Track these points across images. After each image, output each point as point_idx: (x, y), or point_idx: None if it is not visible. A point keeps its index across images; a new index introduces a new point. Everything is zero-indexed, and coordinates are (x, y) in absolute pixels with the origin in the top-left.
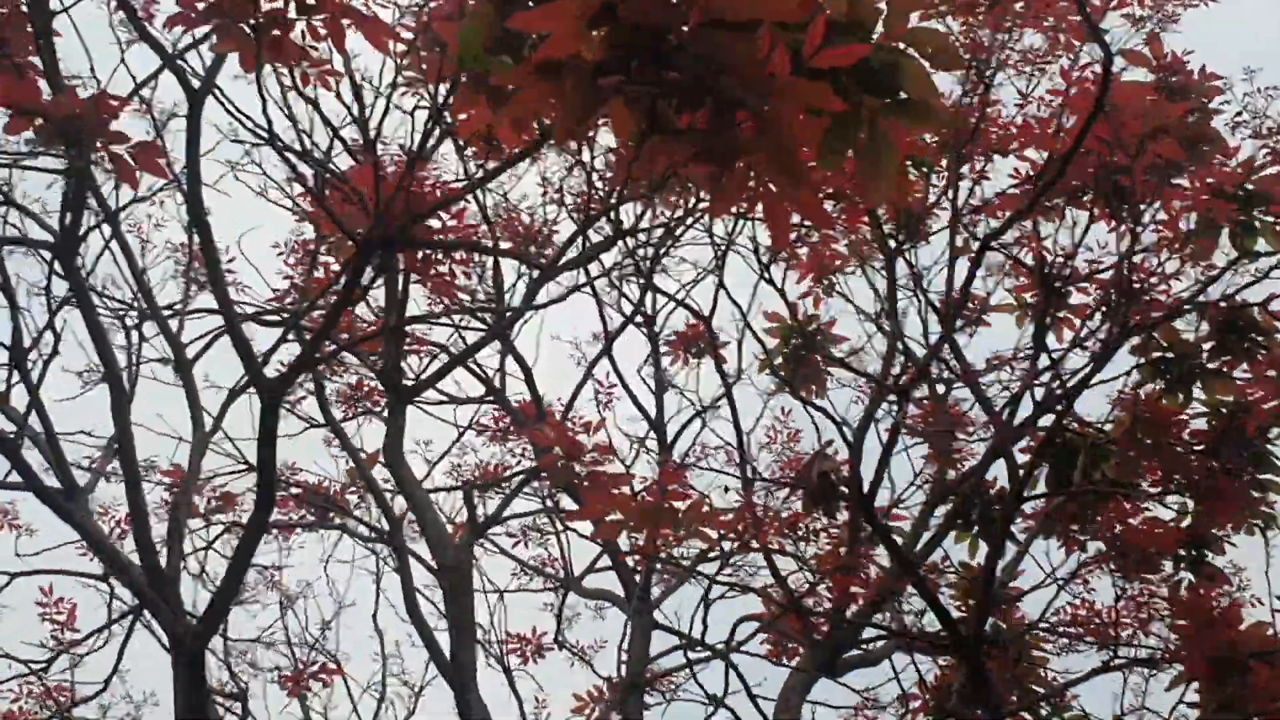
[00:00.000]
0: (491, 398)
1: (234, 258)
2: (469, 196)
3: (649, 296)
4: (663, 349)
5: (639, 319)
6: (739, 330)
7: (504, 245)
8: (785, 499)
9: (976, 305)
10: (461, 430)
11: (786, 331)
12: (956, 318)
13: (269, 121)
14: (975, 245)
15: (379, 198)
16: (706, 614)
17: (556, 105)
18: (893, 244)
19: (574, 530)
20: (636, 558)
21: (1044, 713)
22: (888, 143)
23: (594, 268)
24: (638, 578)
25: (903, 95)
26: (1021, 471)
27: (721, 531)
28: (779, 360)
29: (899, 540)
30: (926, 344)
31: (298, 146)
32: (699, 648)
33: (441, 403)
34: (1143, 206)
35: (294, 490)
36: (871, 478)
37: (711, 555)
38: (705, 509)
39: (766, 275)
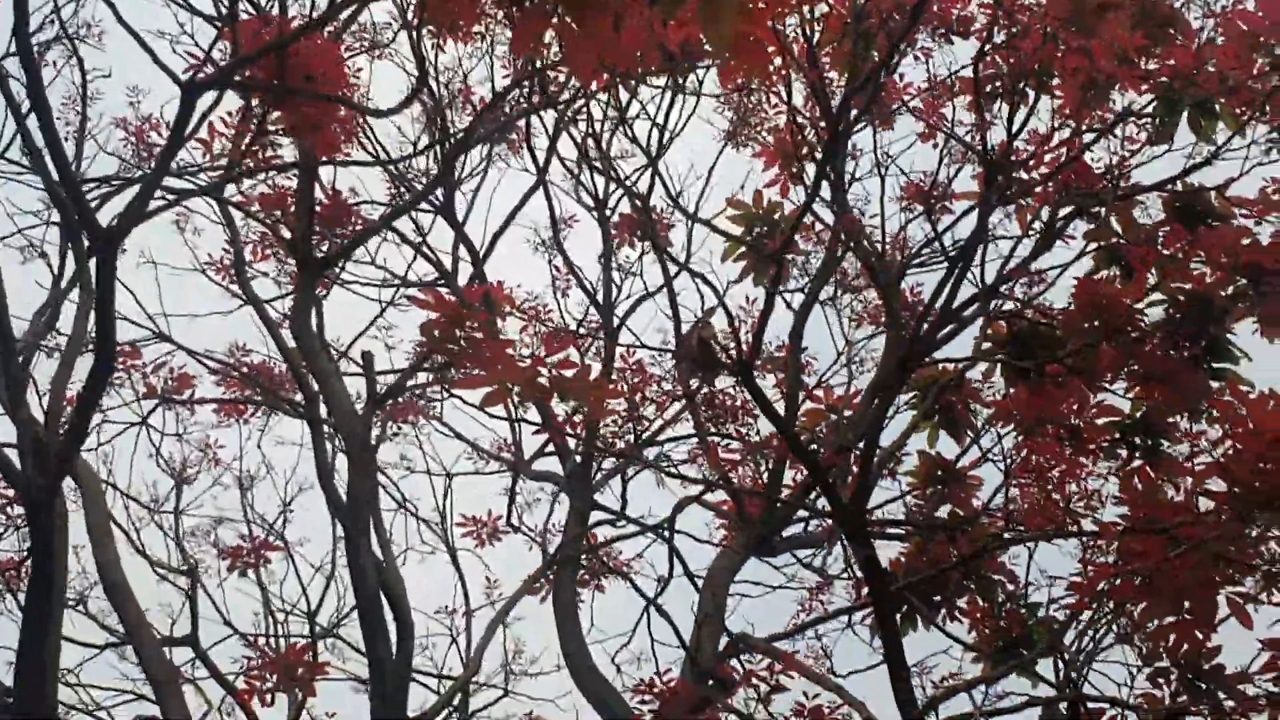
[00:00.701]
0: (443, 281)
1: None
2: None
3: (599, 181)
4: (612, 234)
5: (590, 204)
6: (687, 216)
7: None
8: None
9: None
10: (384, 305)
11: (749, 219)
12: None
13: None
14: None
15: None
16: (625, 491)
17: None
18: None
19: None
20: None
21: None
22: None
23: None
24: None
25: None
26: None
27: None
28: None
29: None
30: (883, 229)
31: None
32: (640, 529)
33: (384, 285)
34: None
35: (240, 370)
36: (750, 344)
37: (648, 436)
38: (591, 378)
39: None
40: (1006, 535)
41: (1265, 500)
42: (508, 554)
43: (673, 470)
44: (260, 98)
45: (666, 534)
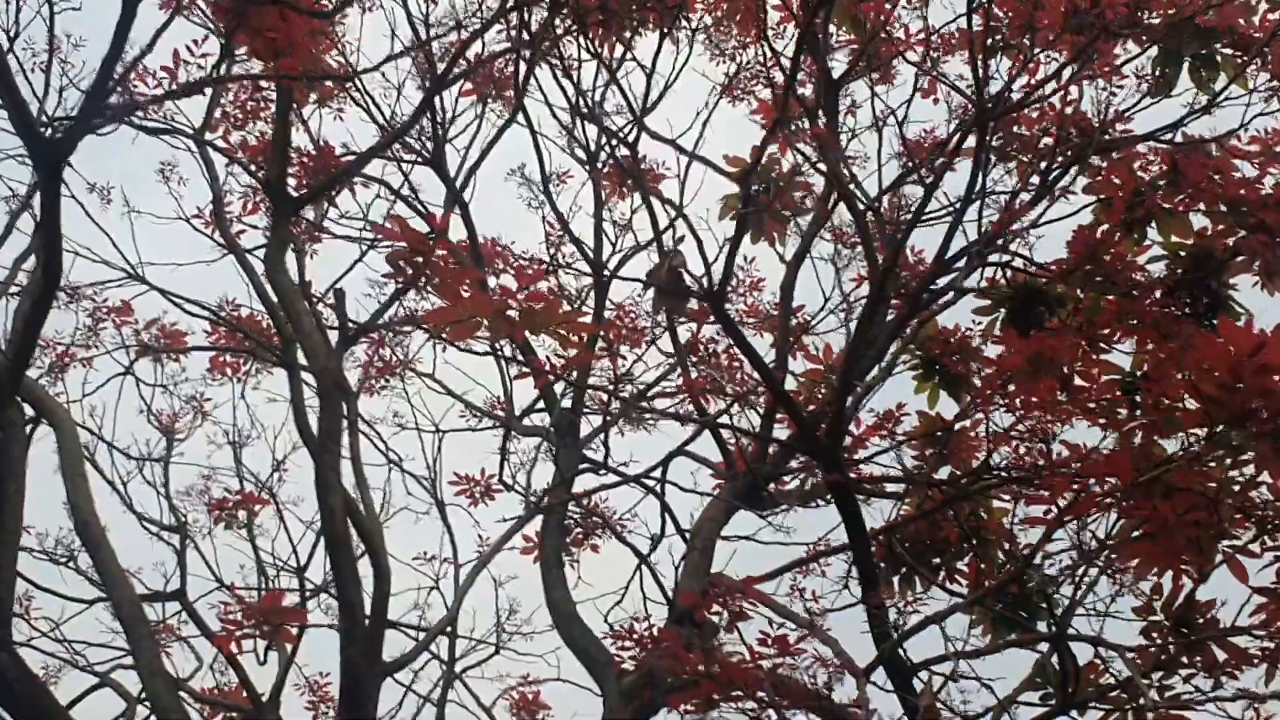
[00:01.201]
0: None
1: None
2: None
3: (592, 131)
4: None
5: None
6: (680, 168)
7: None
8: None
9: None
10: (364, 250)
11: (746, 174)
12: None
13: None
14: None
15: None
16: (607, 437)
17: None
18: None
19: (431, 332)
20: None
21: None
22: None
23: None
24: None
25: None
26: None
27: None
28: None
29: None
30: (879, 185)
31: None
32: (624, 480)
33: (373, 241)
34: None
35: (219, 315)
36: (720, 275)
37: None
38: (562, 310)
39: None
40: (989, 477)
41: (1237, 419)
42: (502, 514)
43: (654, 412)
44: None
45: (656, 486)
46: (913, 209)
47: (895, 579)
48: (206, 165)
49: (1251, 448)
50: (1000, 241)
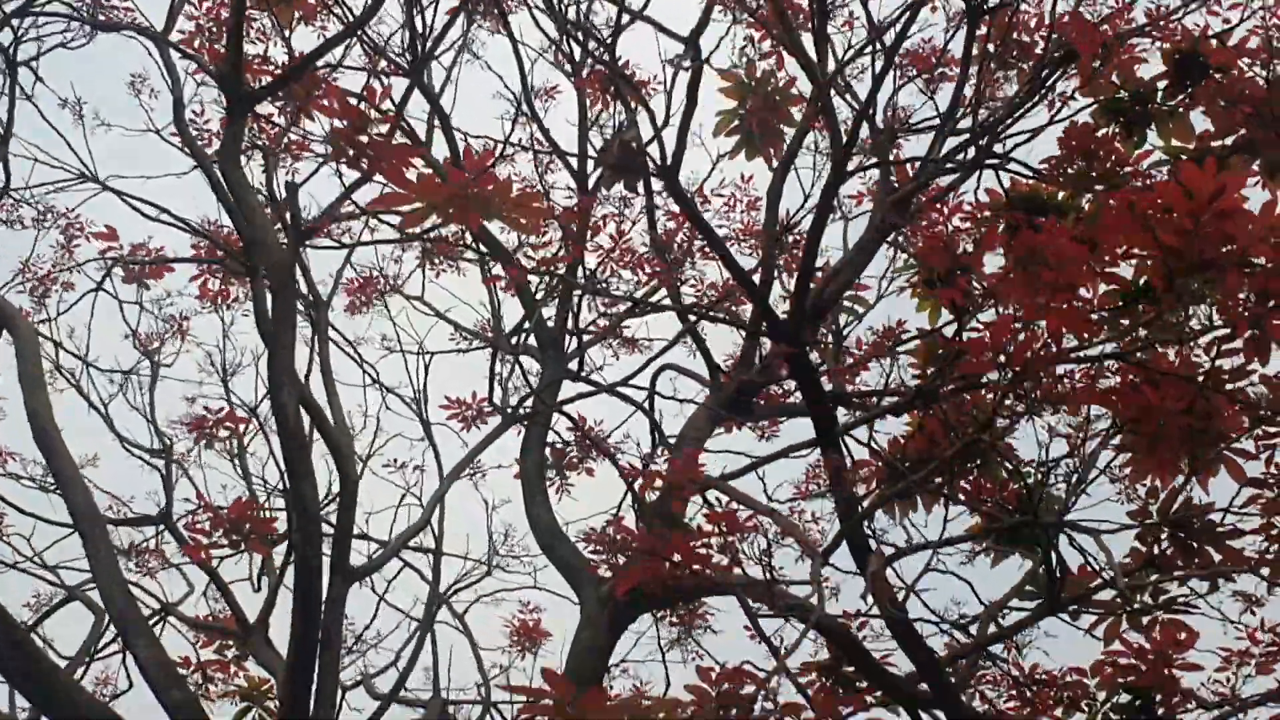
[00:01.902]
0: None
1: None
2: None
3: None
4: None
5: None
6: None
7: None
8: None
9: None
10: (337, 168)
11: (743, 89)
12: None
13: None
14: None
15: None
16: (581, 345)
17: None
18: None
19: (384, 222)
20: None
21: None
22: None
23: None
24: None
25: None
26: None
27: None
28: (735, 121)
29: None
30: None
31: None
32: (603, 387)
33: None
34: None
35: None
36: (674, 149)
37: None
38: (514, 193)
39: None
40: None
41: (1196, 265)
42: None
43: (624, 298)
44: None
45: (644, 401)
46: (910, 121)
47: (896, 501)
48: (168, 69)
49: (1213, 297)
50: (992, 143)
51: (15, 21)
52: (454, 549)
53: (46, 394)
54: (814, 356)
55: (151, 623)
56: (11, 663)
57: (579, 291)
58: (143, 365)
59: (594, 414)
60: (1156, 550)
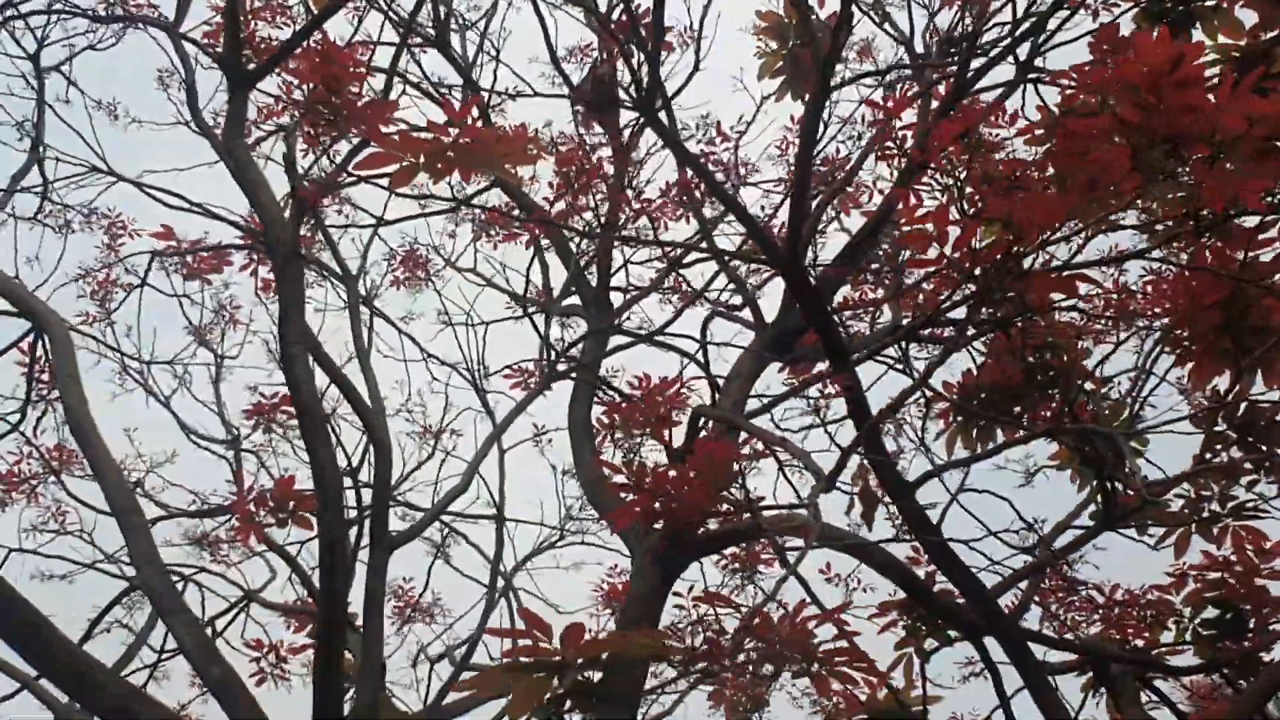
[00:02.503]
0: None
1: None
2: None
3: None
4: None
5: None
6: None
7: None
8: None
9: None
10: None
11: (783, 30)
12: None
13: None
14: None
15: None
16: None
17: None
18: None
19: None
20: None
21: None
22: None
23: None
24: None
25: None
26: None
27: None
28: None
29: None
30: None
31: None
32: (657, 343)
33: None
34: None
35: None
36: (649, 83)
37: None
38: (499, 141)
39: None
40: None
41: (1161, 142)
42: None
43: (654, 242)
44: None
45: (697, 353)
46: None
47: (974, 430)
48: (181, 58)
49: (1178, 172)
50: (1034, 56)
51: (38, 27)
52: (527, 515)
53: (81, 388)
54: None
55: (237, 610)
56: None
57: (616, 243)
58: (201, 357)
59: (653, 368)
60: (1225, 456)
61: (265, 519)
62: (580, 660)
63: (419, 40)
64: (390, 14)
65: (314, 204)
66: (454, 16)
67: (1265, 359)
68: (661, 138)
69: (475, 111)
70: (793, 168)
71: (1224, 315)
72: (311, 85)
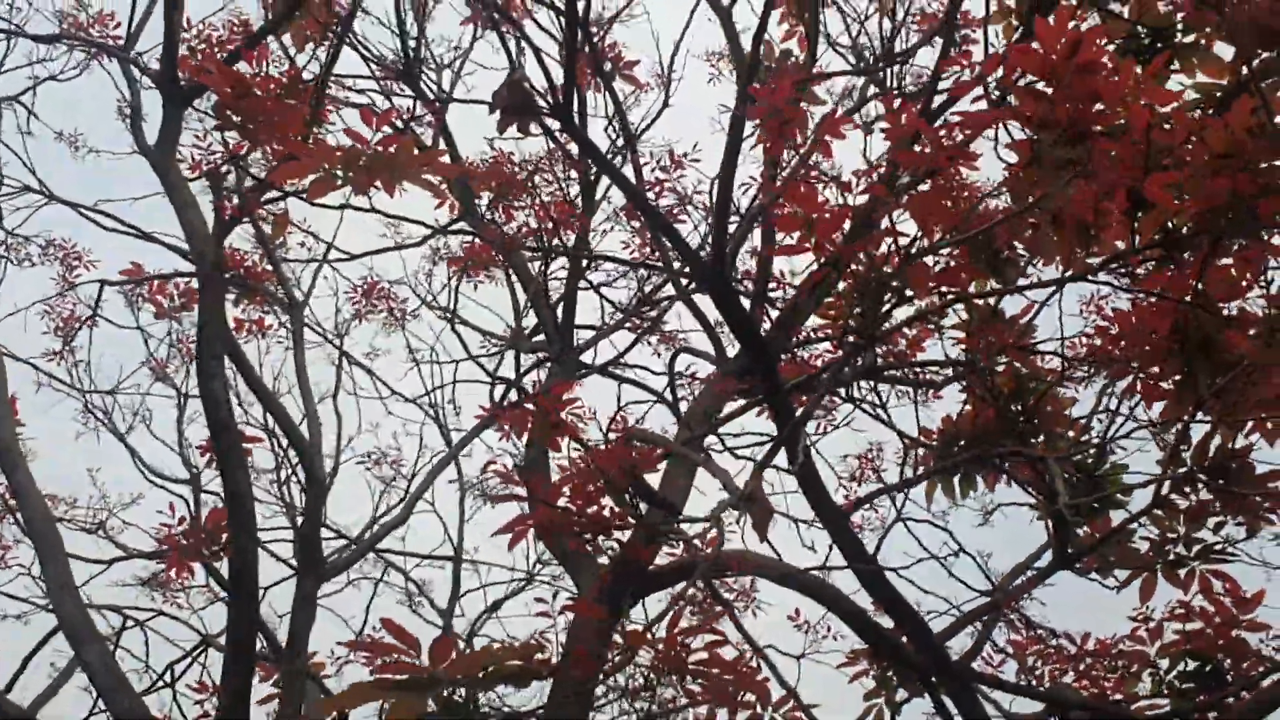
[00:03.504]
0: None
1: None
2: None
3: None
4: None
5: None
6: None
7: None
8: None
9: None
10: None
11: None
12: None
13: None
14: None
15: None
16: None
17: None
18: None
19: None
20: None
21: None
22: None
23: None
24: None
25: None
26: None
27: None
28: None
29: None
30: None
31: None
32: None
33: None
34: None
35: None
36: (564, 87)
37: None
38: (416, 152)
39: None
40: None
41: (1065, 132)
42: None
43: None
44: None
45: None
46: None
47: (956, 480)
48: (130, 83)
49: (1083, 164)
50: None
51: None
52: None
53: (8, 410)
54: None
55: (195, 654)
56: None
57: (570, 259)
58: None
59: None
60: (1194, 498)
61: (197, 553)
62: (457, 676)
63: (381, 73)
64: (334, 31)
65: (236, 216)
66: (426, 56)
67: (1225, 393)
68: (575, 141)
69: (399, 123)
70: (718, 177)
71: (1180, 346)
72: (222, 91)
